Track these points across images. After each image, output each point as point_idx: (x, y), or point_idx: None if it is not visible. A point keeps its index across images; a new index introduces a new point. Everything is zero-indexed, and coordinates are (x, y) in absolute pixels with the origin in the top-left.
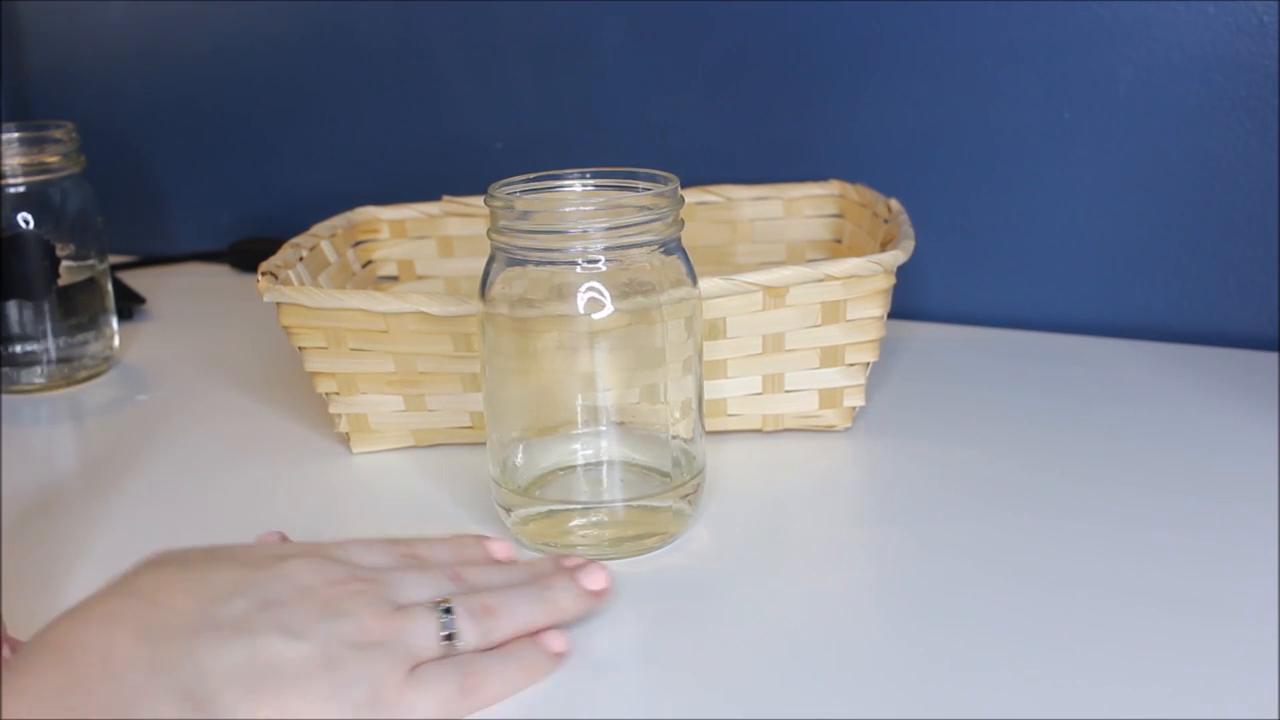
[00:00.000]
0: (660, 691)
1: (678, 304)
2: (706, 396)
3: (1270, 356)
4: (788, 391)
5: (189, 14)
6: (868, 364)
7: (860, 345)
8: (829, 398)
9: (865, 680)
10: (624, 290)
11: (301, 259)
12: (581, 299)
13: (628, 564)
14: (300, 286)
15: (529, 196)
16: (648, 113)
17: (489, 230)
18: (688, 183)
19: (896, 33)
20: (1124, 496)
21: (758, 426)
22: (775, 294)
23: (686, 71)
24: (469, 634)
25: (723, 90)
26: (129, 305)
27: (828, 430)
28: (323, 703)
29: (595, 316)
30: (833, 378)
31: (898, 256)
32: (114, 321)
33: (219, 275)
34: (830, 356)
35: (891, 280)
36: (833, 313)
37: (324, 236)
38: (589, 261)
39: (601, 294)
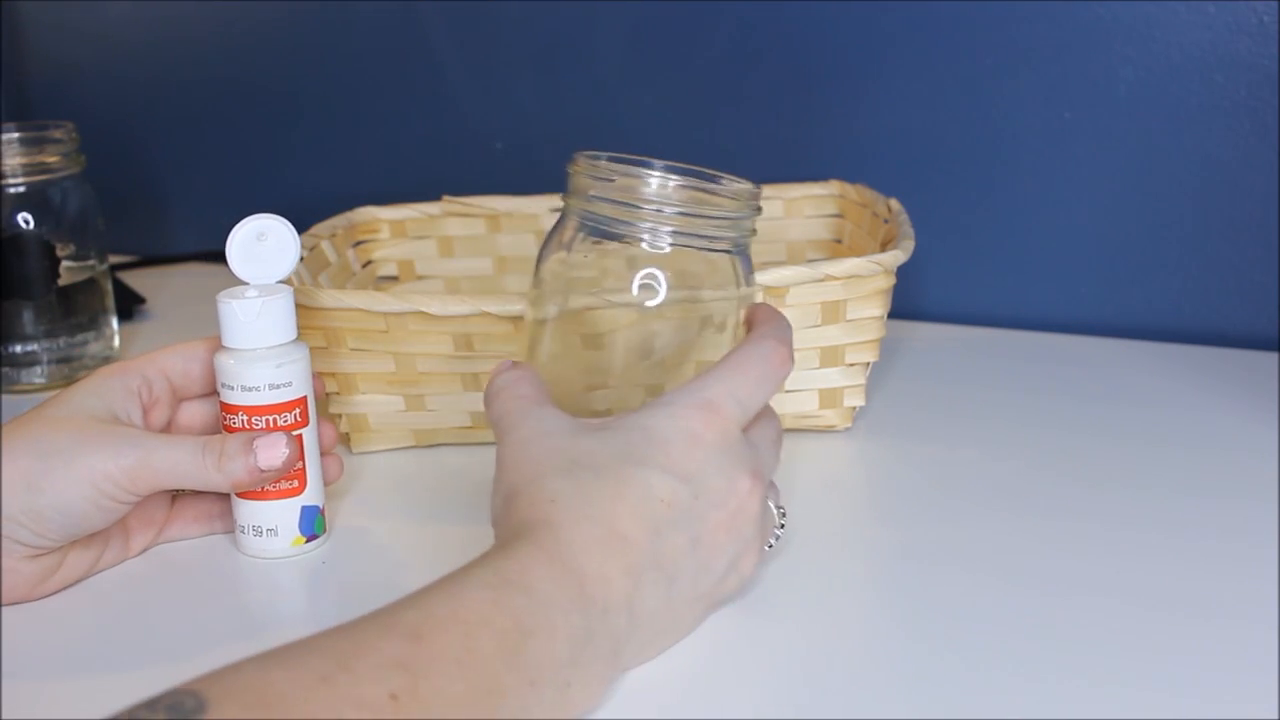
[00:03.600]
0: (659, 691)
1: (738, 306)
2: None
3: (1270, 356)
4: (788, 391)
5: (189, 13)
6: (868, 364)
7: (860, 345)
8: (829, 398)
9: (865, 680)
10: (685, 281)
11: (302, 259)
12: (638, 282)
13: None
14: (300, 286)
15: (617, 169)
16: (648, 113)
17: (566, 196)
18: None
19: (897, 33)
20: (1124, 496)
21: None
22: (775, 294)
23: (687, 72)
24: None
25: (723, 90)
26: (129, 305)
27: (828, 430)
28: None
29: (649, 303)
30: (833, 378)
31: (898, 256)
32: (114, 321)
33: (219, 275)
34: (830, 356)
35: (891, 280)
36: (833, 313)
37: (324, 236)
38: (655, 244)
39: (658, 280)
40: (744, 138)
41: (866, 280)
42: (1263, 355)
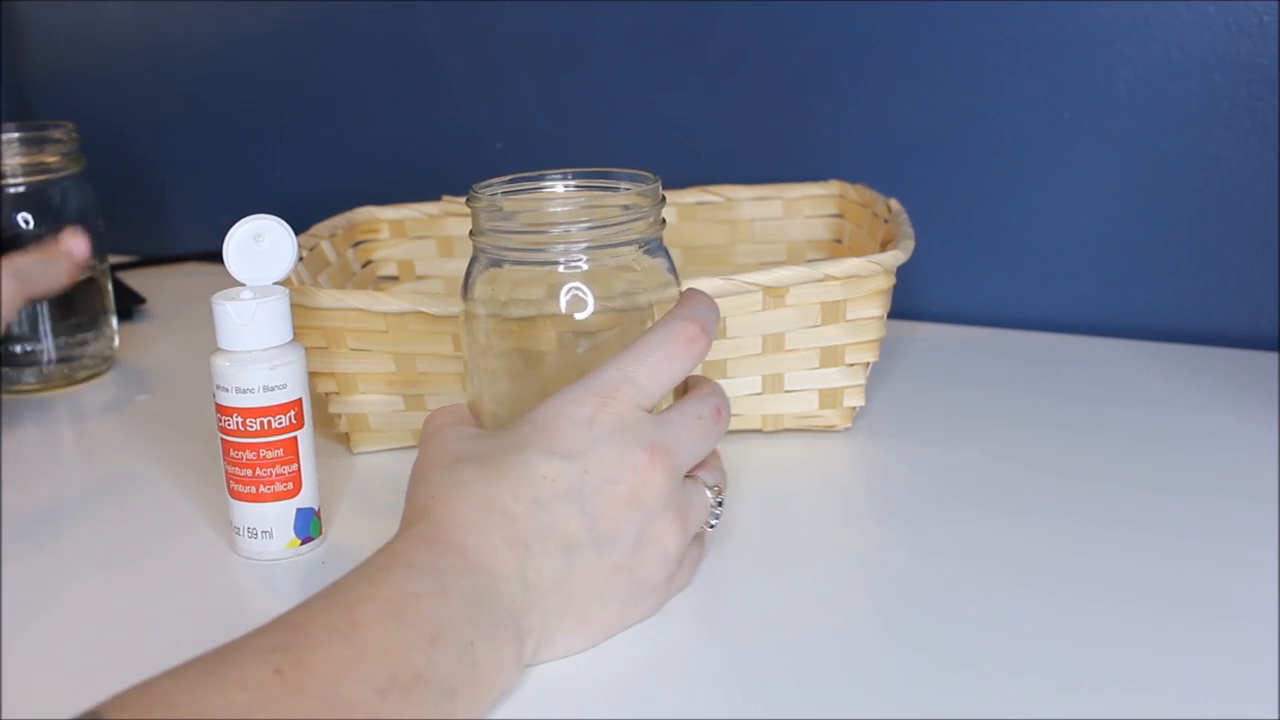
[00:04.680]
0: (658, 691)
1: (664, 304)
2: None
3: (1270, 356)
4: (788, 391)
5: (189, 13)
6: (868, 364)
7: (860, 345)
8: (829, 398)
9: (864, 680)
10: (607, 290)
11: (301, 259)
12: (564, 299)
13: None
14: (300, 286)
15: (511, 197)
16: (647, 113)
17: (471, 231)
18: (688, 183)
19: (896, 33)
20: (1124, 497)
21: (758, 427)
22: (775, 294)
23: (686, 71)
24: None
25: (723, 90)
26: (129, 305)
27: (828, 430)
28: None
29: (578, 316)
30: (833, 378)
31: (898, 256)
32: (114, 321)
33: (219, 275)
34: (830, 356)
35: (891, 280)
36: (833, 313)
37: (324, 236)
38: (571, 263)
39: (584, 293)
40: (744, 138)
41: (866, 280)
42: (1263, 355)
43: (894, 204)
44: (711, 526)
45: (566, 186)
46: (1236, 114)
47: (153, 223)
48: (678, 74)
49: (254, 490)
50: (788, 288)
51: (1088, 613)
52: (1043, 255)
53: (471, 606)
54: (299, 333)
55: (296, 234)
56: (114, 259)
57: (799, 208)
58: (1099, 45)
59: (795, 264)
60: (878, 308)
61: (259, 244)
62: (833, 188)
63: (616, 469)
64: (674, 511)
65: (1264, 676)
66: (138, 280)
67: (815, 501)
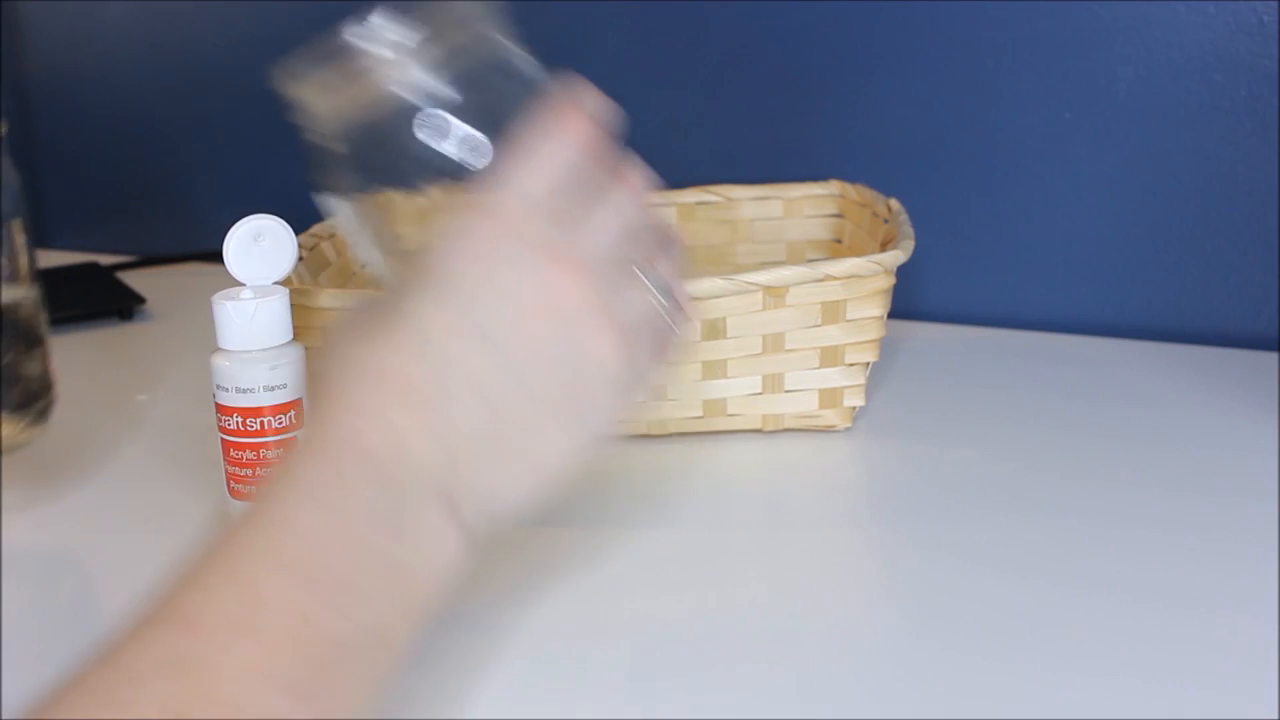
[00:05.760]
0: (658, 691)
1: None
2: (707, 396)
3: (1270, 356)
4: (788, 391)
5: (189, 13)
6: (868, 364)
7: (860, 345)
8: (829, 398)
9: (864, 680)
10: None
11: (301, 259)
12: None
13: (625, 563)
14: (300, 286)
15: None
16: (647, 113)
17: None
18: (688, 183)
19: (896, 33)
20: (1124, 496)
21: (758, 426)
22: (775, 294)
23: (686, 71)
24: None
25: (722, 90)
26: (129, 305)
27: (828, 430)
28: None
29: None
30: (833, 378)
31: (898, 256)
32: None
33: (219, 275)
34: (830, 356)
35: (891, 280)
36: (833, 313)
37: (324, 236)
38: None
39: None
40: (744, 138)
41: (866, 280)
42: (1263, 355)
43: (894, 204)
44: (665, 315)
45: None
46: (1236, 114)
47: (153, 223)
48: (677, 74)
49: (254, 490)
50: (788, 288)
51: (1088, 612)
52: (1043, 255)
53: (381, 510)
54: (299, 333)
55: (296, 234)
56: (114, 259)
57: (799, 208)
58: (1099, 45)
59: (795, 264)
60: (878, 308)
61: (259, 244)
62: (833, 188)
63: (516, 286)
64: (599, 314)
65: (1264, 675)
66: (138, 280)
67: (815, 501)
